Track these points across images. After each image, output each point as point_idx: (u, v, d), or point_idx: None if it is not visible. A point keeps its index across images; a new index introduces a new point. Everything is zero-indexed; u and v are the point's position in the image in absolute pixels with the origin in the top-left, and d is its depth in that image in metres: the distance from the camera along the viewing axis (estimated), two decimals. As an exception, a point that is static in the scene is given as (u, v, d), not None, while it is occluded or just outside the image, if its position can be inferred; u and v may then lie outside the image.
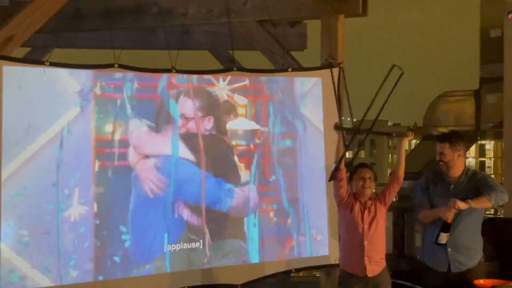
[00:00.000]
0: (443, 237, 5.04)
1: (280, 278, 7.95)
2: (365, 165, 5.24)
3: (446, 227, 5.03)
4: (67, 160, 5.48)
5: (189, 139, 6.04)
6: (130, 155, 5.78)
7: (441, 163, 5.19)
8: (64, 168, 5.47)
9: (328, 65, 6.75)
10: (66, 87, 5.50)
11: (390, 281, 5.28)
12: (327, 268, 6.79)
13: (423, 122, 9.83)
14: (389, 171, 60.49)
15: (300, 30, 8.94)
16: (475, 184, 5.15)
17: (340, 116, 6.75)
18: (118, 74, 5.71)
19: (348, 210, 5.12)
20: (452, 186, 5.21)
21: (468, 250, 5.22)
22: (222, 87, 6.23)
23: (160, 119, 5.91)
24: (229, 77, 6.25)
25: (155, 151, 5.90)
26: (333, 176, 5.12)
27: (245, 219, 6.26)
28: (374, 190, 5.31)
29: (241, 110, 6.33)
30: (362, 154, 78.57)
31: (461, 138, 5.26)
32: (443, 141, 5.17)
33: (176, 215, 5.95)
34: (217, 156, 6.16)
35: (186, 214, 5.99)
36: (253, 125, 6.36)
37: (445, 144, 5.15)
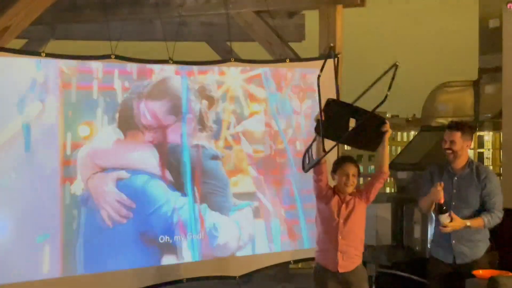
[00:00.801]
0: (443, 219, 4.99)
1: (278, 270, 7.96)
2: (351, 159, 5.00)
3: (440, 208, 4.99)
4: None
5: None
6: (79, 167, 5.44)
7: (449, 151, 5.14)
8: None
9: (326, 56, 6.72)
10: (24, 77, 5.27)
11: (366, 277, 5.09)
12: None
13: (421, 113, 9.76)
14: (387, 162, 60.40)
15: (298, 21, 8.92)
16: (479, 183, 5.15)
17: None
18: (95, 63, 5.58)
19: (324, 203, 4.91)
20: (456, 178, 5.20)
21: (472, 242, 5.22)
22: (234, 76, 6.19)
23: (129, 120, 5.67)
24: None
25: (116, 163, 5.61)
26: (313, 169, 4.84)
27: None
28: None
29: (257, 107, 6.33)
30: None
31: (472, 129, 5.24)
32: (456, 130, 5.12)
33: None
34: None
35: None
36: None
37: (457, 133, 5.09)
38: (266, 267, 6.49)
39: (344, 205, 4.90)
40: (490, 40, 8.23)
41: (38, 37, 8.72)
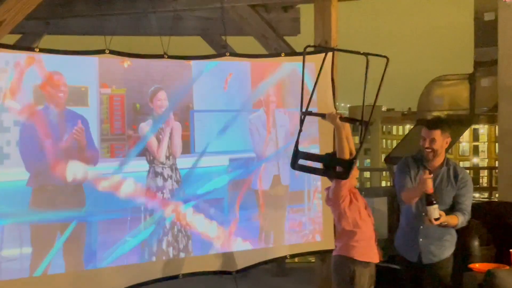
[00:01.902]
0: (431, 211, 4.74)
1: (275, 264, 7.96)
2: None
3: (429, 199, 4.75)
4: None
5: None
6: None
7: (428, 150, 4.99)
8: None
9: (321, 50, 6.71)
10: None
11: None
12: (322, 254, 6.78)
13: (417, 107, 9.79)
14: (383, 156, 60.64)
15: (293, 14, 8.87)
16: (456, 183, 5.03)
17: (334, 102, 6.74)
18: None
19: (348, 206, 4.88)
20: (432, 175, 4.96)
21: (441, 241, 5.06)
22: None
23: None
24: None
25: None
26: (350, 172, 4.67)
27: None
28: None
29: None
30: (356, 140, 78.63)
31: (449, 125, 5.13)
32: (435, 128, 4.99)
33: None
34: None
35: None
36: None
37: (436, 131, 4.97)
38: (263, 262, 6.47)
39: (362, 201, 5.01)
40: (485, 33, 8.25)
41: (32, 31, 8.67)
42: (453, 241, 5.13)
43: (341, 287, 4.95)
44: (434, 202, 4.74)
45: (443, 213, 4.79)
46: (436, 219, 4.75)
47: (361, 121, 4.63)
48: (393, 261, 5.54)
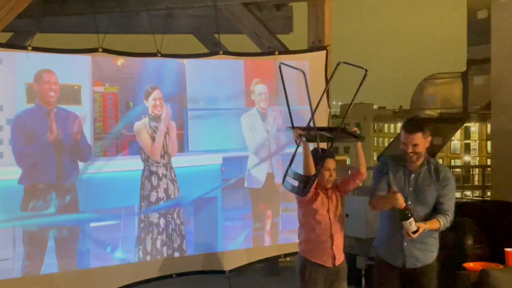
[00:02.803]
0: (407, 225, 4.53)
1: (268, 263, 7.94)
2: (331, 155, 4.91)
3: (404, 214, 4.55)
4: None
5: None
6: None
7: (413, 154, 4.73)
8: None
9: (315, 48, 6.71)
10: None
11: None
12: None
13: (410, 105, 9.81)
14: (375, 154, 60.74)
15: (286, 13, 8.87)
16: (438, 182, 4.77)
17: (328, 101, 6.73)
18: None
19: (310, 204, 4.86)
20: (413, 175, 4.80)
21: (425, 246, 4.79)
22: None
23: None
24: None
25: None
26: (308, 189, 4.73)
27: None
28: None
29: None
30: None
31: (427, 124, 4.90)
32: (416, 131, 4.72)
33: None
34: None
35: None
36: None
37: (418, 134, 4.71)
38: (256, 261, 6.45)
39: (330, 201, 4.91)
40: (478, 31, 8.25)
41: (24, 30, 8.62)
42: (436, 245, 4.89)
43: (297, 283, 4.98)
44: (409, 215, 4.54)
45: (421, 225, 4.57)
46: (414, 232, 4.55)
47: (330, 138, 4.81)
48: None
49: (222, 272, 6.19)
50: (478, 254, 6.01)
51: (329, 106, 6.70)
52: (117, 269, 5.66)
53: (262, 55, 6.69)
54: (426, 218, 4.70)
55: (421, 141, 4.72)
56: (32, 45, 5.50)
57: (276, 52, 6.61)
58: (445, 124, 9.12)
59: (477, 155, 65.47)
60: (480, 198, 11.60)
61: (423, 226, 4.58)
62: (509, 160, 7.01)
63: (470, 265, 5.67)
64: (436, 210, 4.75)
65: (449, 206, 4.76)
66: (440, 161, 58.83)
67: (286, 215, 6.55)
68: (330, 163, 4.87)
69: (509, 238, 5.92)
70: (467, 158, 66.43)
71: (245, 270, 6.83)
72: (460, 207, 6.92)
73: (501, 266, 5.55)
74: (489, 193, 8.54)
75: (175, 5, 7.57)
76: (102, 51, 5.58)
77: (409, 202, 4.69)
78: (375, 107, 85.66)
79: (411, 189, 4.78)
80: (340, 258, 4.95)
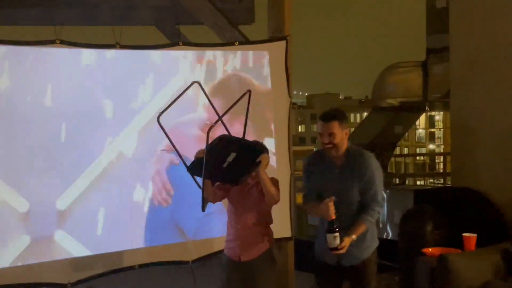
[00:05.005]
0: (331, 239, 4.36)
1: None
2: (234, 182, 4.74)
3: (331, 226, 4.36)
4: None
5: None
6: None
7: (329, 145, 4.54)
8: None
9: (275, 38, 6.73)
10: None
11: None
12: (278, 241, 6.80)
13: (372, 94, 9.89)
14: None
15: (247, 4, 8.87)
16: (359, 170, 4.57)
17: (289, 91, 6.76)
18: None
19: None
20: (336, 170, 4.63)
21: (360, 242, 4.58)
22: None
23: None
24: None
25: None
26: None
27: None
28: None
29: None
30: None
31: (345, 115, 4.68)
32: (331, 120, 4.51)
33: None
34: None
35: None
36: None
37: (334, 123, 4.51)
38: (220, 251, 6.45)
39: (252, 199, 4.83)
40: (437, 20, 8.32)
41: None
42: (373, 239, 4.71)
43: None
44: (336, 229, 4.36)
45: (346, 240, 4.39)
46: (335, 249, 4.38)
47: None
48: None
49: (185, 262, 6.19)
50: (438, 240, 6.10)
51: (289, 96, 6.73)
52: (78, 261, 5.63)
53: (222, 46, 6.67)
54: (353, 212, 4.55)
55: (338, 130, 4.52)
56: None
57: (236, 43, 6.61)
58: (406, 113, 9.23)
59: (441, 143, 66.17)
60: (441, 184, 11.75)
61: (348, 241, 4.41)
62: (468, 147, 7.12)
63: (429, 250, 5.76)
64: (360, 204, 4.58)
65: (372, 195, 4.57)
66: (406, 150, 59.16)
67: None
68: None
69: (468, 224, 6.02)
70: (432, 146, 67.12)
71: (209, 261, 6.82)
72: (420, 193, 7.08)
73: (460, 251, 5.64)
74: (449, 181, 8.64)
75: (135, -5, 7.54)
76: (59, 43, 5.53)
77: (335, 198, 4.47)
78: (341, 97, 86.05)
79: (335, 184, 4.60)
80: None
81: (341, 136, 4.56)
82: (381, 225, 7.31)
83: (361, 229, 4.52)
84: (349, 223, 4.51)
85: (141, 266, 5.94)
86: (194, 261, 6.20)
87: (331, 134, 4.53)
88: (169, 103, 5.16)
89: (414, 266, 5.65)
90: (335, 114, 4.57)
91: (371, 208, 4.56)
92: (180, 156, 5.02)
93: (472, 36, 7.14)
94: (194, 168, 4.74)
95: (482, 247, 5.69)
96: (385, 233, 7.31)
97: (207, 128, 4.62)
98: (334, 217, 4.37)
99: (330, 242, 4.37)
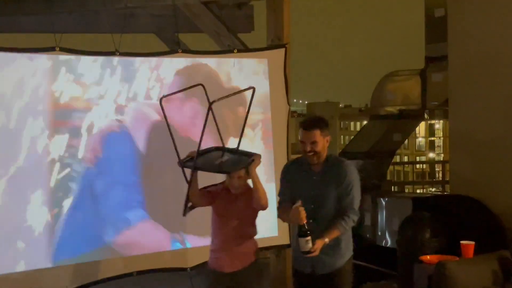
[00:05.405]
0: (303, 243, 4.35)
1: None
2: (227, 173, 4.75)
3: (301, 231, 4.35)
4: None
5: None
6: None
7: (311, 153, 4.54)
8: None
9: (274, 46, 6.76)
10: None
11: None
12: (277, 248, 6.81)
13: (370, 102, 9.90)
14: (341, 152, 60.86)
15: (247, 11, 8.89)
16: (338, 178, 4.57)
17: (288, 98, 6.78)
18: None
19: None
20: (314, 177, 4.63)
21: (334, 251, 4.59)
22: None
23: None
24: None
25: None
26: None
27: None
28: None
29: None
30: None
31: (327, 123, 4.66)
32: (313, 128, 4.53)
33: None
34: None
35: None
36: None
37: (315, 131, 4.51)
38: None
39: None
40: (436, 29, 8.35)
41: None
42: (347, 248, 4.67)
43: None
44: (306, 233, 4.34)
45: (318, 243, 4.37)
46: (308, 252, 4.36)
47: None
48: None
49: (183, 269, 6.19)
50: (436, 247, 6.11)
51: (288, 104, 6.76)
52: (76, 267, 5.64)
53: (221, 53, 6.70)
54: (330, 219, 4.52)
55: (320, 138, 4.53)
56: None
57: (235, 50, 6.64)
58: (404, 121, 9.24)
59: (441, 151, 66.16)
60: (440, 192, 11.76)
61: (320, 243, 4.37)
62: (467, 155, 7.13)
63: (427, 257, 5.77)
64: (337, 211, 4.55)
65: (349, 202, 4.56)
66: (405, 158, 59.22)
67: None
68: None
69: (466, 231, 6.03)
70: (431, 155, 67.07)
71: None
72: (418, 201, 7.08)
73: (457, 259, 5.65)
74: (449, 189, 8.65)
75: (135, 4, 7.54)
76: (59, 50, 5.56)
77: (312, 206, 4.49)
78: (341, 105, 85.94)
79: (313, 192, 4.59)
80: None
81: (323, 144, 4.57)
82: (379, 233, 7.30)
83: (334, 233, 4.49)
84: (326, 229, 4.50)
85: (139, 273, 5.95)
86: (192, 268, 6.20)
87: (313, 143, 4.54)
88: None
89: (412, 274, 5.67)
90: (317, 123, 4.58)
91: (346, 214, 4.54)
92: (173, 141, 4.90)
93: (470, 45, 7.17)
94: (186, 160, 4.76)
95: (480, 254, 5.70)
96: (384, 241, 7.30)
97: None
98: (305, 221, 4.36)
99: (302, 246, 4.37)
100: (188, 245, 6.20)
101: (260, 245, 6.62)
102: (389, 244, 7.24)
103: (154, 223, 6.03)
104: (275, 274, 7.00)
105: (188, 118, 6.06)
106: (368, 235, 7.42)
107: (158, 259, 6.05)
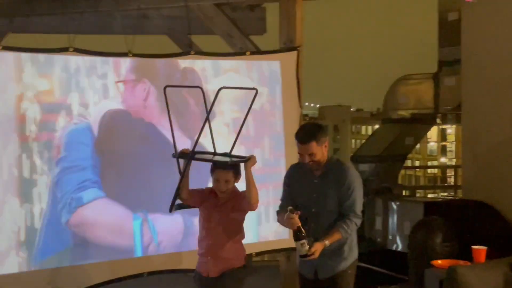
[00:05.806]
0: (298, 247, 4.38)
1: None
2: (222, 166, 4.75)
3: (295, 235, 4.38)
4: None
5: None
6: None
7: (311, 163, 4.57)
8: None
9: (286, 49, 6.76)
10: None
11: None
12: (288, 251, 6.80)
13: (383, 106, 9.88)
14: (352, 156, 60.81)
15: (259, 14, 8.89)
16: (339, 180, 4.59)
17: (300, 102, 6.78)
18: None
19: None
20: (315, 180, 4.66)
21: (337, 255, 4.61)
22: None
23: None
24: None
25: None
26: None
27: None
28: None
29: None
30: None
31: (322, 129, 4.67)
32: (309, 141, 4.52)
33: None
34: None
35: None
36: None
37: (311, 143, 4.51)
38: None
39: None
40: (449, 33, 8.32)
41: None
42: (350, 251, 4.69)
43: None
44: (301, 237, 4.35)
45: (318, 246, 4.38)
46: (304, 256, 4.38)
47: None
48: (359, 259, 5.23)
49: (190, 271, 6.17)
50: (447, 252, 6.07)
51: (300, 107, 6.75)
52: (87, 268, 5.66)
53: (233, 55, 6.71)
54: (330, 224, 4.53)
55: (317, 149, 4.53)
56: (3, 45, 5.49)
57: (248, 53, 6.66)
58: (417, 125, 9.23)
59: (453, 156, 65.96)
60: (452, 197, 11.71)
61: (319, 246, 4.39)
62: (479, 160, 7.10)
63: (438, 262, 5.74)
64: (339, 214, 4.57)
65: (350, 205, 4.56)
66: (417, 162, 58.87)
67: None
68: (218, 175, 4.75)
69: (478, 236, 5.99)
70: (443, 159, 66.87)
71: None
72: (430, 205, 7.05)
73: (469, 263, 5.62)
74: (461, 194, 8.60)
75: (148, 5, 7.56)
76: (73, 51, 5.59)
77: (313, 210, 4.55)
78: (353, 109, 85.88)
79: (315, 195, 4.62)
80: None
81: (321, 152, 4.58)
82: (390, 237, 7.28)
83: (335, 236, 4.49)
84: (327, 233, 4.50)
85: (150, 273, 5.96)
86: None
87: (312, 154, 4.55)
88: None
89: (423, 278, 5.64)
90: (311, 135, 4.56)
91: (348, 218, 4.55)
92: (172, 133, 4.88)
93: (483, 49, 7.13)
94: (180, 154, 4.77)
95: (492, 260, 5.66)
96: (395, 245, 7.28)
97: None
98: (297, 226, 4.36)
99: (299, 250, 4.39)
100: (150, 223, 6.07)
101: (270, 247, 6.69)
102: (400, 248, 7.22)
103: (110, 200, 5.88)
104: (284, 276, 7.00)
105: (140, 100, 5.98)
106: (379, 239, 7.40)
107: (169, 259, 6.05)
